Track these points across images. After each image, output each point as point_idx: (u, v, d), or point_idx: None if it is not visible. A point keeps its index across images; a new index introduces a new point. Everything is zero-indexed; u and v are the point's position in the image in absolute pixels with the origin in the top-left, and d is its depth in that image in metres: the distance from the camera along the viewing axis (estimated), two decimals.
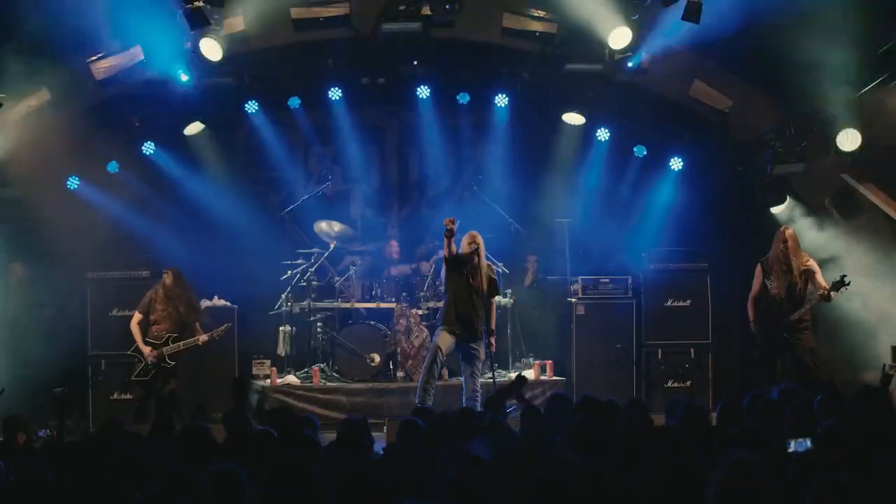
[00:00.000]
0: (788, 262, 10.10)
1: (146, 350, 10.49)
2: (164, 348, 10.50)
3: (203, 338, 10.61)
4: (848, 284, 9.83)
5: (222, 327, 10.76)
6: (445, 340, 9.83)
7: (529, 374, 11.76)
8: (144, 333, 10.60)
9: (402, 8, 11.16)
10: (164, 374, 10.54)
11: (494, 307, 10.26)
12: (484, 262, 9.98)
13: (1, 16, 9.70)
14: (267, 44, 11.91)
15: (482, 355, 9.87)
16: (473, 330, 9.84)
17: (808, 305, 9.99)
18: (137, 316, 10.69)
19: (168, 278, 10.68)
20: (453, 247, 9.65)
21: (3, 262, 11.65)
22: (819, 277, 10.08)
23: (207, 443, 5.44)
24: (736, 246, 12.49)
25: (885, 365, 10.09)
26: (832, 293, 9.82)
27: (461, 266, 9.79)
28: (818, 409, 5.74)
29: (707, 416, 5.82)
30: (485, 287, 9.88)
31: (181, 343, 10.56)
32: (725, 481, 3.65)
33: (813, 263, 10.18)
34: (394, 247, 12.89)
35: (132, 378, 10.61)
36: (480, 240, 9.88)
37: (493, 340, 10.05)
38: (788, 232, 10.23)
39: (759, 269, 10.37)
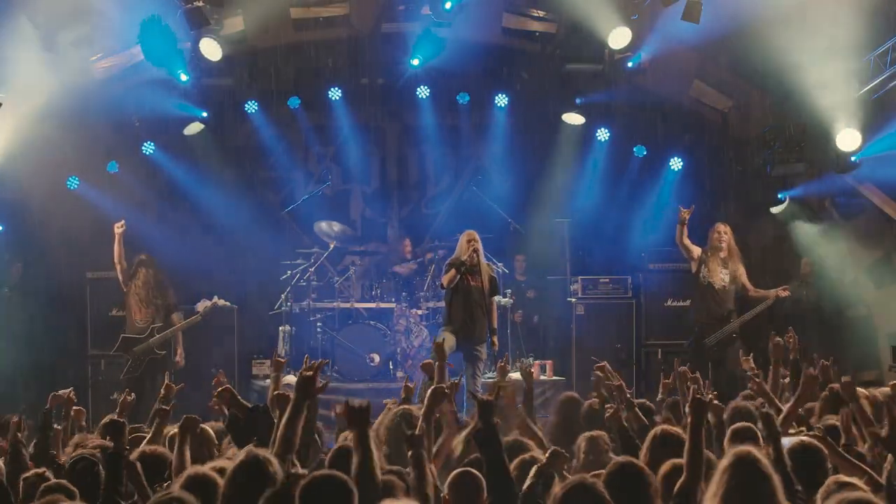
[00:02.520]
0: (728, 254, 10.19)
1: (117, 246, 10.38)
2: (151, 339, 10.45)
3: (194, 319, 10.57)
4: (809, 280, 10.09)
5: (209, 304, 10.69)
6: (447, 341, 9.80)
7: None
8: (124, 330, 10.54)
9: (401, 8, 11.18)
10: (155, 366, 10.39)
11: (495, 307, 10.24)
12: (484, 261, 9.98)
13: (3, 15, 9.70)
14: (267, 44, 11.93)
15: (484, 356, 9.89)
16: (475, 330, 9.82)
17: (765, 305, 10.20)
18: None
19: (141, 256, 10.60)
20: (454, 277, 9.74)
21: (8, 263, 11.66)
22: (745, 278, 10.29)
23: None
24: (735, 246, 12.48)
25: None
26: (786, 291, 10.16)
27: (462, 265, 9.78)
28: None
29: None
30: (486, 287, 9.87)
31: (168, 331, 10.51)
32: (730, 474, 3.64)
33: (743, 266, 10.38)
34: (407, 245, 12.81)
35: (122, 377, 10.53)
36: (478, 238, 9.89)
37: (495, 340, 10.04)
38: (725, 226, 10.37)
39: (698, 248, 10.45)
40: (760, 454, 3.74)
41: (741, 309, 10.55)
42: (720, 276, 10.29)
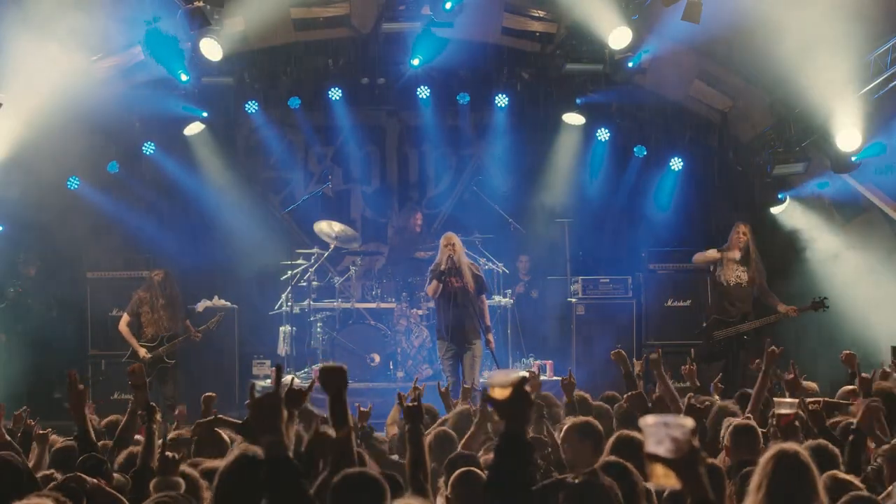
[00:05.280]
0: (747, 255, 10.34)
1: (142, 351, 10.44)
2: (161, 348, 10.48)
3: (200, 329, 10.63)
4: (827, 307, 10.19)
5: (215, 318, 10.75)
6: (451, 370, 9.99)
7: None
8: (137, 337, 10.57)
9: (402, 8, 11.17)
10: (163, 375, 10.51)
11: (486, 304, 10.35)
12: (465, 260, 10.09)
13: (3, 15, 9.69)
14: (267, 44, 11.93)
15: (479, 351, 10.01)
16: (464, 329, 9.97)
17: (774, 319, 10.26)
18: (126, 318, 10.63)
19: (158, 277, 10.64)
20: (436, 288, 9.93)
21: (18, 263, 11.67)
22: (763, 279, 10.40)
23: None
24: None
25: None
26: (800, 311, 10.18)
27: (441, 274, 9.94)
28: None
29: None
30: (471, 285, 9.97)
31: (177, 340, 10.56)
32: (773, 471, 3.64)
33: (763, 267, 10.46)
34: (418, 219, 12.80)
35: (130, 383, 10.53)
36: (456, 240, 10.03)
37: (490, 338, 10.14)
38: (746, 227, 10.50)
39: (713, 250, 10.53)
40: (802, 448, 3.74)
41: (758, 313, 10.60)
42: (735, 275, 10.42)
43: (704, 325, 10.73)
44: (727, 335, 10.44)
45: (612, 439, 4.79)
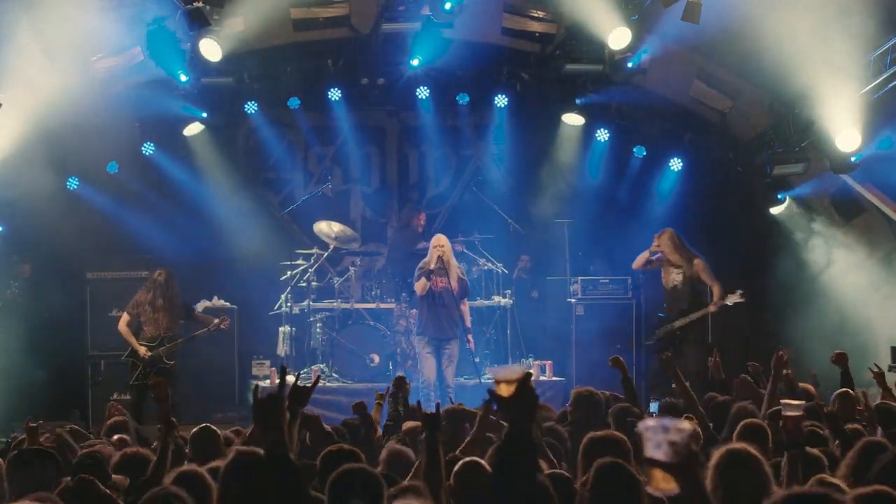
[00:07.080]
0: (674, 256, 10.71)
1: (142, 350, 10.40)
2: (161, 349, 10.47)
3: (199, 333, 10.61)
4: (742, 300, 10.47)
5: (217, 320, 10.72)
6: (429, 366, 10.34)
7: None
8: (137, 336, 10.55)
9: (401, 8, 11.17)
10: (162, 376, 10.50)
11: (467, 307, 10.78)
12: (453, 262, 10.42)
13: (3, 16, 9.69)
14: (267, 44, 11.94)
15: (456, 353, 10.42)
16: (444, 329, 10.37)
17: (701, 313, 10.62)
18: (125, 317, 10.53)
19: (161, 277, 10.60)
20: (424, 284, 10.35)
21: (13, 263, 11.67)
22: (706, 275, 10.70)
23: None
24: (735, 246, 12.48)
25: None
26: (719, 306, 10.52)
27: (430, 273, 10.28)
28: None
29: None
30: (455, 288, 10.29)
31: (177, 342, 10.54)
32: (723, 471, 3.65)
33: (700, 262, 10.70)
34: (421, 219, 12.82)
35: (130, 383, 10.53)
36: (446, 241, 10.39)
37: (470, 338, 10.56)
38: (657, 237, 10.84)
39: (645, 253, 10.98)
40: (752, 448, 3.76)
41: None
42: (671, 278, 10.86)
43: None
44: (664, 332, 10.90)
45: (584, 441, 4.79)
